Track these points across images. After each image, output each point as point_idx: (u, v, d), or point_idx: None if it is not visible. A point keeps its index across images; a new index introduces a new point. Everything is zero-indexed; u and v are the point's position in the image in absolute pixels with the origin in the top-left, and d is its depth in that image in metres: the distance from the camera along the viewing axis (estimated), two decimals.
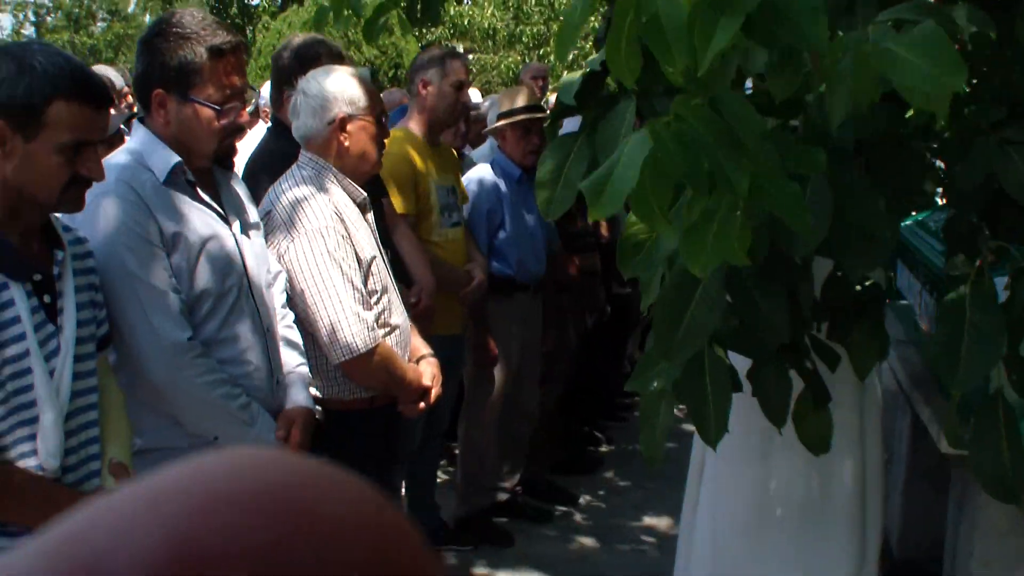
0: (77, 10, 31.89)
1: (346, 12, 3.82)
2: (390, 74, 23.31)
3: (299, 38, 4.12)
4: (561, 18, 20.07)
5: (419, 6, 3.87)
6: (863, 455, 3.44)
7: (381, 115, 3.50)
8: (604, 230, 6.19)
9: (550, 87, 8.86)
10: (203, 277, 2.81)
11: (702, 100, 1.51)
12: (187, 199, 2.83)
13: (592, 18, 4.87)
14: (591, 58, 2.33)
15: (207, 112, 2.81)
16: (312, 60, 3.85)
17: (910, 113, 1.96)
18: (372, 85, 3.56)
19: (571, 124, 2.38)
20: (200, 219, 2.83)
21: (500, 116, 5.20)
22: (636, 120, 1.98)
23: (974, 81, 2.27)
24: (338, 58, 3.95)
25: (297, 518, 0.40)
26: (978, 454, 1.78)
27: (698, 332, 1.79)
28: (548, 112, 5.23)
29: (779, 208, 1.49)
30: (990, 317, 1.75)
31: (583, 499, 5.94)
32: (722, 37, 1.40)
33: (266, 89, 6.47)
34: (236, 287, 2.89)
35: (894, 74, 1.38)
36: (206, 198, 2.88)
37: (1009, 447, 1.77)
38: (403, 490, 4.88)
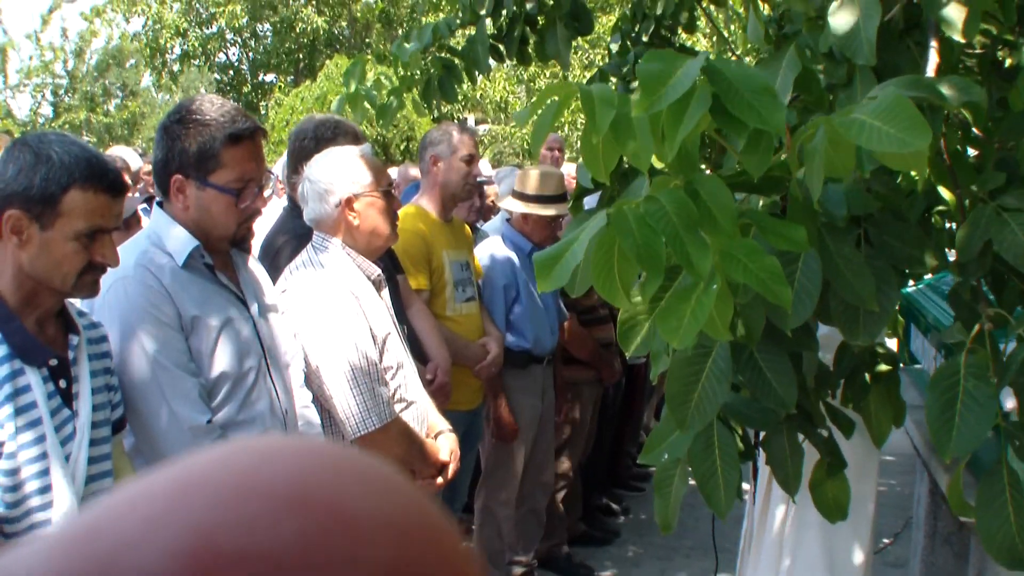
0: (91, 88, 32.19)
1: (363, 103, 3.90)
2: (402, 147, 23.39)
3: (315, 120, 4.14)
4: None
5: (434, 89, 3.96)
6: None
7: (388, 188, 3.51)
8: None
9: (566, 158, 8.93)
10: (222, 360, 2.81)
11: (680, 181, 1.54)
12: (206, 282, 2.84)
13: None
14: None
15: (225, 197, 2.82)
16: (329, 141, 3.87)
17: (899, 179, 2.00)
18: (376, 160, 3.58)
19: (592, 199, 2.42)
20: (218, 302, 2.85)
21: (524, 196, 5.17)
22: None
23: (963, 149, 2.32)
24: (355, 138, 3.97)
25: (326, 515, 0.38)
26: (985, 521, 1.80)
27: (709, 404, 1.80)
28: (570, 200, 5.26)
29: (756, 283, 1.52)
30: (984, 385, 1.78)
31: (601, 573, 5.91)
32: (688, 124, 1.44)
33: (279, 166, 6.55)
34: (254, 370, 2.89)
35: (862, 141, 1.42)
36: (224, 281, 2.90)
37: (1016, 514, 1.79)
38: None
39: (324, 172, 3.43)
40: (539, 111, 1.62)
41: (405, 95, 4.09)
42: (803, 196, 1.72)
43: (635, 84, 1.82)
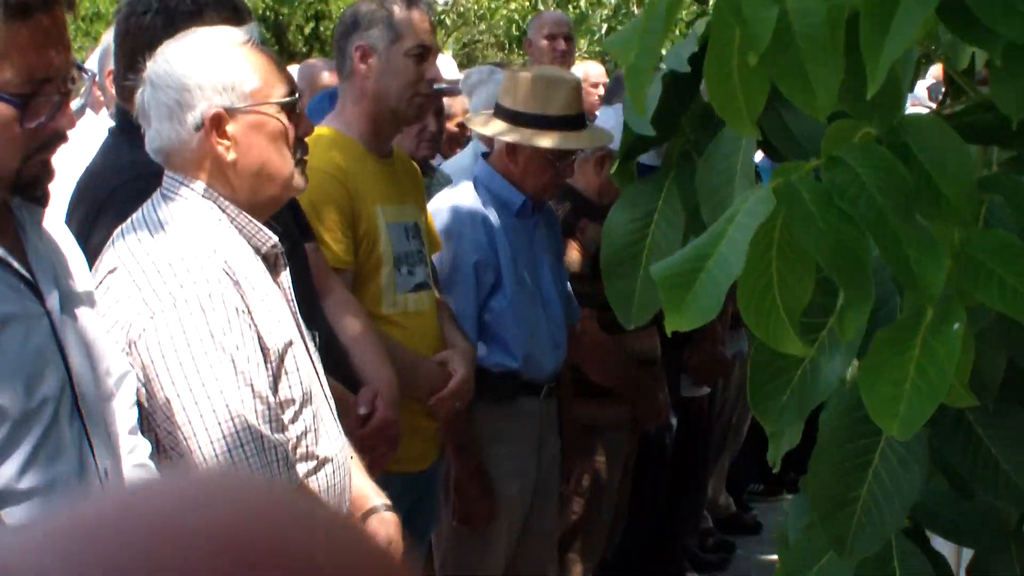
0: None
1: None
2: (306, 30, 23.29)
3: None
4: None
5: None
6: None
7: (290, 98, 3.48)
8: None
9: (580, 52, 9.00)
10: None
11: (875, 130, 1.56)
12: None
13: None
14: (673, 50, 2.37)
15: (2, 109, 2.77)
16: (188, 19, 3.78)
17: None
18: (268, 50, 3.55)
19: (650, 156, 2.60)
20: None
21: (514, 116, 5.19)
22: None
23: None
24: (233, 12, 3.91)
25: (262, 557, 0.51)
26: None
27: (888, 509, 1.75)
28: (590, 125, 5.23)
29: (1015, 308, 1.51)
30: None
31: None
32: (904, 35, 1.43)
33: (96, 59, 6.37)
34: (52, 402, 2.86)
35: None
36: (1, 253, 2.86)
37: None
38: None
39: (177, 71, 3.38)
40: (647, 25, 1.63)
41: None
42: None
43: None
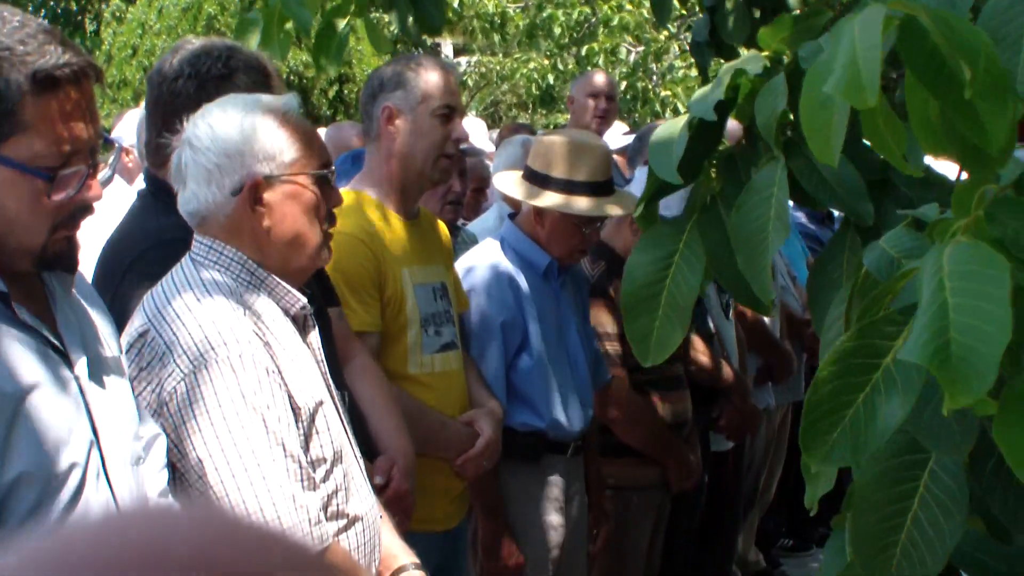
0: None
1: (284, 27, 3.73)
2: (331, 93, 23.17)
3: (194, 47, 4.03)
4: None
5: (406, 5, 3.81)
6: None
7: (325, 170, 3.47)
8: (700, 352, 6.16)
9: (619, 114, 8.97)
10: (22, 452, 2.75)
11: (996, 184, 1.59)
12: None
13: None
14: (697, 96, 2.38)
15: (29, 182, 2.78)
16: (219, 83, 3.81)
17: None
18: (306, 122, 3.54)
19: (673, 200, 2.55)
20: (18, 355, 2.80)
21: (544, 180, 5.18)
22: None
23: None
24: (262, 77, 3.93)
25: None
26: None
27: (929, 551, 1.73)
28: (618, 190, 5.24)
29: None
30: None
31: None
32: None
33: (125, 128, 6.34)
34: (80, 467, 2.84)
35: None
36: (29, 320, 2.84)
37: None
38: None
39: (220, 135, 3.38)
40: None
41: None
42: None
43: None
